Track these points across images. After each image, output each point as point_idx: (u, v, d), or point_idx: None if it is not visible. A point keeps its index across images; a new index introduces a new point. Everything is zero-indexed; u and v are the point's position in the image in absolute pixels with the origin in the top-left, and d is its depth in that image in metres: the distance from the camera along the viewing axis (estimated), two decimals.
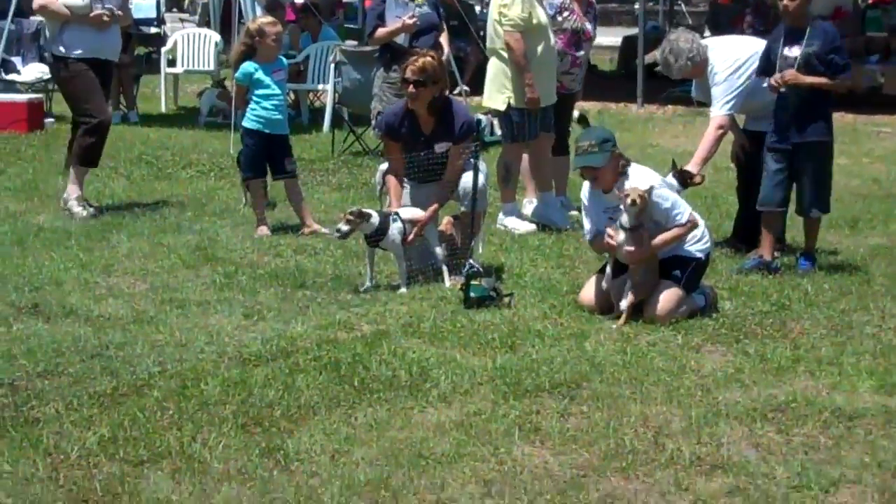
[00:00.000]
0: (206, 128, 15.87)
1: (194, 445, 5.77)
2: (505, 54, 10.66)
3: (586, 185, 8.27)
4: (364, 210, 8.66)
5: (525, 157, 11.13)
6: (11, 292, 8.33)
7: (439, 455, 5.70)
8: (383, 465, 5.58)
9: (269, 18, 10.68)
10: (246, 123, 10.50)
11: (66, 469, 5.52)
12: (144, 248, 9.68)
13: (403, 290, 8.54)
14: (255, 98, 10.40)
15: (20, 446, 5.75)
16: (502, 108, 10.75)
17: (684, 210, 8.06)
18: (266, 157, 10.51)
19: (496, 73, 10.82)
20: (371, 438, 5.91)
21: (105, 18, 10.96)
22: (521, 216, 10.84)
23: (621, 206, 7.92)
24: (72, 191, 11.07)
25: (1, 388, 6.53)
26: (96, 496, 5.26)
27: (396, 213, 8.74)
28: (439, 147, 9.07)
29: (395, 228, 8.62)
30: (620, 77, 22.26)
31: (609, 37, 25.67)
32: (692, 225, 8.05)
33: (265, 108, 10.38)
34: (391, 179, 9.14)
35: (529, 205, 11.07)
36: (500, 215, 10.79)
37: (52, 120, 17.35)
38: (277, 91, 10.47)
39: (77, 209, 10.92)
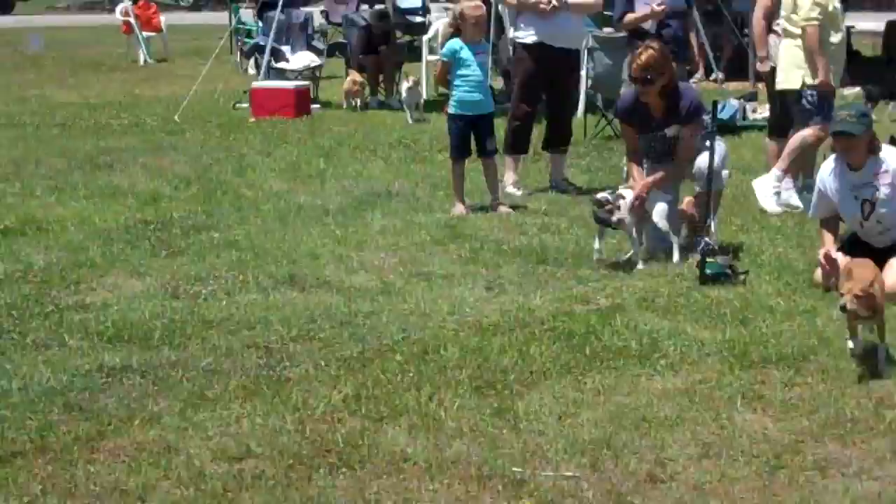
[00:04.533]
0: None
1: (431, 405, 6.10)
2: (799, 34, 10.51)
3: (827, 164, 8.31)
4: (613, 195, 8.92)
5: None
6: (271, 264, 8.83)
7: (662, 418, 5.92)
8: (607, 427, 5.81)
9: (473, 3, 10.85)
10: (450, 110, 10.90)
11: (312, 423, 5.88)
12: (397, 225, 10.09)
13: (640, 266, 8.77)
14: (457, 79, 10.74)
15: (271, 402, 6.16)
16: (797, 86, 10.59)
17: None
18: (471, 137, 10.87)
19: (792, 53, 10.67)
20: (598, 402, 6.16)
21: (542, 6, 11.43)
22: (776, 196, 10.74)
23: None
24: (508, 177, 11.69)
25: (257, 350, 6.99)
26: (338, 448, 5.60)
27: (620, 194, 8.97)
28: (669, 131, 9.27)
29: (624, 207, 8.85)
30: (883, 63, 21.77)
31: (872, 22, 25.13)
32: None
33: (466, 91, 10.73)
34: (631, 161, 9.43)
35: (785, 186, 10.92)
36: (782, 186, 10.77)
37: (318, 106, 18.05)
38: (478, 71, 10.76)
39: (512, 190, 11.53)
